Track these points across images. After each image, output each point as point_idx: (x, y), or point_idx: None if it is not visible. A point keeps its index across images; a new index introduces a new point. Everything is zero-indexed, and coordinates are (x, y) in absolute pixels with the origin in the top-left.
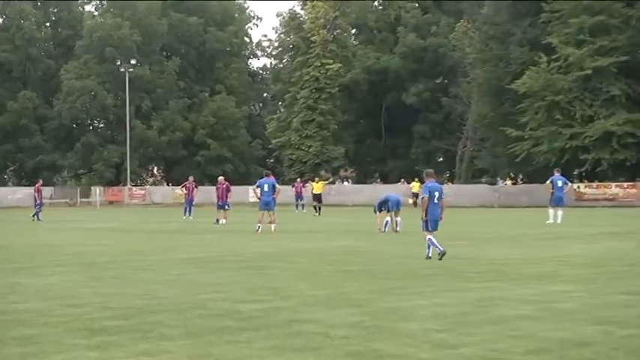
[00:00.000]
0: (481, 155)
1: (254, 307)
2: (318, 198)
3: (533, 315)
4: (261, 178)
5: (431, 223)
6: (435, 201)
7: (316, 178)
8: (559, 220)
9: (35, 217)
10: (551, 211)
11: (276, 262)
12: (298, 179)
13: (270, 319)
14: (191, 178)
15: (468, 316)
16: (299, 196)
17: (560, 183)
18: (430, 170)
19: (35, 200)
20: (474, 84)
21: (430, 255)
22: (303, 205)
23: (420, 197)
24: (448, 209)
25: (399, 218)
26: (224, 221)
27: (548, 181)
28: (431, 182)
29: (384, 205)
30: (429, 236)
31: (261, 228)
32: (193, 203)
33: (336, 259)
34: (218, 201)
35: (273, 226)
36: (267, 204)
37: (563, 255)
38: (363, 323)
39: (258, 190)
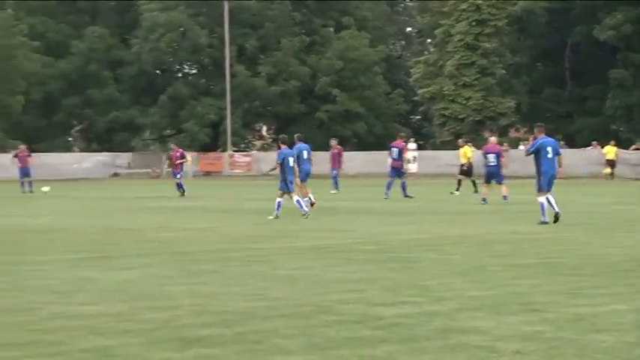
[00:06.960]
0: None
1: (397, 311)
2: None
3: None
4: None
5: (544, 183)
6: (549, 156)
7: (460, 140)
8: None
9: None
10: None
11: (426, 252)
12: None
13: (419, 328)
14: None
15: None
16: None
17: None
18: (540, 124)
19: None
20: None
21: (547, 219)
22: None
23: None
24: None
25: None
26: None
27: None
28: (543, 138)
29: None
30: (542, 198)
31: (309, 204)
32: (339, 173)
33: (504, 250)
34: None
35: (303, 200)
36: (308, 174)
37: None
38: (542, 334)
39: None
